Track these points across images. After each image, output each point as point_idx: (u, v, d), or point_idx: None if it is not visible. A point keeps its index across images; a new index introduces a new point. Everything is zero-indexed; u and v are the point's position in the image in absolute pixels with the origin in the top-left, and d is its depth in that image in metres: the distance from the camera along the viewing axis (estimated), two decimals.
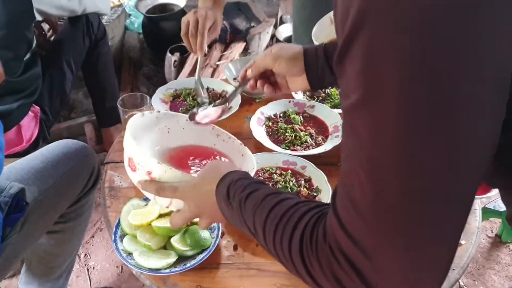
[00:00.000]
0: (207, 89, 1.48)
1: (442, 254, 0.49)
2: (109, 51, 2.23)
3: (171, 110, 1.40)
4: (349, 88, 0.48)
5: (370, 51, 0.44)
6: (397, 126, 0.45)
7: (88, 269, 1.81)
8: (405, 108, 0.44)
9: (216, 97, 1.45)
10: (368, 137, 0.47)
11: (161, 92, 1.44)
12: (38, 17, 1.84)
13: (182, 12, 2.90)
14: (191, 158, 1.05)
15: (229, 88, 1.47)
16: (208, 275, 0.97)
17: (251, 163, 1.00)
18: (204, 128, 1.09)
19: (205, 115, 1.09)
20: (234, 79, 1.51)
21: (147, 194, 0.89)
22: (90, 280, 1.77)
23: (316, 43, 1.26)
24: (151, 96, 1.35)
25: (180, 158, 1.05)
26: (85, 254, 1.86)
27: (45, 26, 2.22)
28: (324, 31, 1.34)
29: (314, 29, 1.35)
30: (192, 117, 1.07)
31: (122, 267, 1.81)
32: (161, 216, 1.00)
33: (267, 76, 1.11)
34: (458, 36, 0.41)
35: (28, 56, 1.76)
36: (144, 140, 1.02)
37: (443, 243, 0.49)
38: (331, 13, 1.34)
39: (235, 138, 1.08)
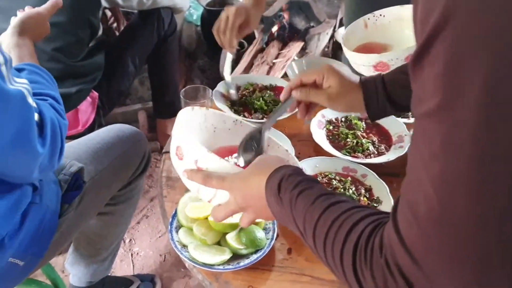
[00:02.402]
0: (268, 86, 1.46)
1: (509, 284, 0.45)
2: (177, 47, 2.23)
3: (231, 104, 1.39)
4: (424, 92, 0.45)
5: (453, 53, 0.41)
6: (476, 138, 0.41)
7: (132, 255, 1.83)
8: (487, 118, 0.40)
9: (278, 99, 1.42)
10: (441, 148, 0.43)
11: (223, 86, 1.43)
12: (105, 4, 1.87)
13: None
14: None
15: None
16: (260, 276, 0.95)
17: None
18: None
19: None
20: None
21: (190, 185, 0.87)
22: (133, 266, 1.79)
23: (344, 47, 1.20)
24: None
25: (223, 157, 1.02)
26: (130, 240, 1.89)
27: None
28: (357, 35, 1.29)
29: (344, 32, 1.30)
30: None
31: (165, 256, 1.82)
32: None
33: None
34: None
35: (92, 43, 1.79)
36: (190, 135, 1.00)
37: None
38: (366, 16, 1.29)
39: (280, 144, 1.03)
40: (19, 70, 1.03)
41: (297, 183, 0.68)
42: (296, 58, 2.34)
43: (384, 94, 0.95)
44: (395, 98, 0.94)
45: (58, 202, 1.11)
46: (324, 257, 0.61)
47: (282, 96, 1.04)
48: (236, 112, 1.35)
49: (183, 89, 1.28)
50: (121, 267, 1.78)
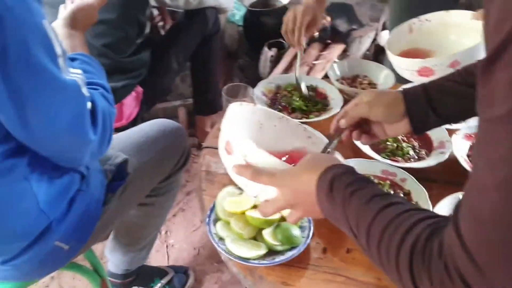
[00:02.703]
0: (308, 87, 1.47)
1: None
2: (219, 47, 2.28)
3: (271, 103, 1.41)
4: (494, 97, 0.44)
5: None
6: None
7: (167, 246, 1.88)
8: None
9: (318, 99, 1.43)
10: (509, 153, 0.43)
11: (263, 85, 1.45)
12: (153, 3, 1.92)
13: (284, 8, 2.91)
14: (282, 159, 1.03)
15: (330, 89, 1.45)
16: (294, 274, 0.96)
17: None
18: (296, 128, 1.07)
19: None
20: (337, 80, 1.49)
21: (237, 180, 0.87)
22: (168, 257, 1.83)
23: (388, 52, 1.19)
24: None
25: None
26: (166, 231, 1.93)
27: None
28: (402, 39, 1.27)
29: (389, 36, 1.28)
30: None
31: (199, 249, 1.86)
32: (255, 206, 1.00)
33: (360, 125, 1.01)
34: None
35: (139, 40, 1.84)
36: (239, 130, 1.02)
37: None
38: (411, 21, 1.27)
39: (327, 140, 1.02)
40: (72, 59, 1.08)
41: (351, 182, 0.68)
42: (336, 60, 2.33)
43: (427, 101, 0.93)
44: (439, 106, 0.92)
45: (102, 190, 1.15)
46: (377, 258, 0.61)
47: (332, 130, 1.03)
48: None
49: (225, 87, 1.30)
50: (156, 258, 1.83)
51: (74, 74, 0.92)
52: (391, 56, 1.18)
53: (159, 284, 1.68)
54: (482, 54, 1.09)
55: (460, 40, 1.23)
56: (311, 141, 1.06)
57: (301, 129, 1.07)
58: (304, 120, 1.31)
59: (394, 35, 1.27)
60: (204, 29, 2.05)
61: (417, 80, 1.14)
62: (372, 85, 1.48)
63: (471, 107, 0.79)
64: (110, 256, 1.58)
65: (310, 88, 1.47)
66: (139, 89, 1.87)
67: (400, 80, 1.47)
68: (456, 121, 1.22)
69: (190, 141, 2.36)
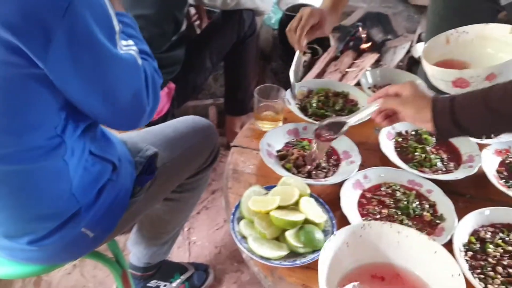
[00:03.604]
0: (341, 93, 1.47)
1: None
2: (254, 49, 2.28)
3: (300, 106, 1.41)
4: None
5: None
6: None
7: (189, 243, 1.90)
8: None
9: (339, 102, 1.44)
10: None
11: (296, 88, 1.46)
12: (191, 1, 1.95)
13: None
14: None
15: (361, 96, 1.45)
16: (315, 277, 0.95)
17: (452, 267, 0.88)
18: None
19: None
20: (369, 88, 1.49)
21: None
22: (189, 254, 1.86)
23: (424, 61, 1.17)
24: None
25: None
26: (189, 228, 1.96)
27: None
28: (438, 50, 1.26)
29: (425, 46, 1.27)
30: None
31: (220, 248, 1.87)
32: (280, 207, 1.01)
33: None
34: None
35: (175, 37, 1.87)
36: None
37: None
38: (449, 32, 1.26)
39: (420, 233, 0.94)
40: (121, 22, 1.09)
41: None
42: (369, 68, 2.32)
43: (451, 115, 0.95)
44: (462, 121, 0.94)
45: (131, 182, 1.18)
46: None
47: (369, 100, 1.10)
48: (307, 115, 1.37)
49: (258, 87, 1.32)
50: (177, 254, 1.85)
51: (128, 47, 0.96)
52: (427, 66, 1.17)
53: (178, 280, 1.70)
54: None
55: (498, 54, 1.21)
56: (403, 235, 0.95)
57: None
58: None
59: (430, 45, 1.26)
60: (240, 30, 2.07)
61: (451, 91, 1.13)
62: None
63: (495, 128, 0.97)
64: (133, 249, 1.61)
65: (342, 94, 1.47)
66: (172, 85, 1.90)
67: (434, 91, 1.46)
68: (480, 137, 1.22)
69: (219, 140, 2.38)
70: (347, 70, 2.34)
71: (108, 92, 0.94)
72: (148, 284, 1.65)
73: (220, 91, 2.59)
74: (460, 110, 0.94)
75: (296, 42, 1.33)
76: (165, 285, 1.68)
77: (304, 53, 2.59)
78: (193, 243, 1.91)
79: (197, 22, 2.40)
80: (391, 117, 1.07)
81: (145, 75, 1.01)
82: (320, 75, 2.44)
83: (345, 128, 1.12)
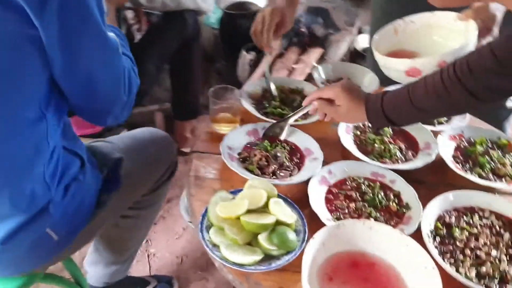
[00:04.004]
0: (295, 89, 1.46)
1: None
2: (200, 50, 2.23)
3: (257, 106, 1.39)
4: None
5: None
6: None
7: (148, 256, 1.83)
8: None
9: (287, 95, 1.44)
10: None
11: (249, 88, 1.44)
12: (128, 4, 1.87)
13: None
14: None
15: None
16: (290, 278, 0.94)
17: (425, 259, 0.88)
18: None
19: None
20: (322, 83, 1.49)
21: None
22: (150, 267, 1.79)
23: (375, 52, 1.20)
24: None
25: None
26: (147, 241, 1.88)
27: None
28: (387, 41, 1.28)
29: (374, 37, 1.29)
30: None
31: (182, 258, 1.82)
32: (249, 211, 0.98)
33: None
34: None
35: None
36: None
37: None
38: (396, 22, 1.29)
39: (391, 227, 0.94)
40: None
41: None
42: (315, 64, 2.34)
43: (383, 113, 1.05)
44: (392, 118, 1.05)
45: (97, 187, 1.14)
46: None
47: (304, 103, 1.19)
48: (262, 114, 1.35)
49: (211, 89, 1.29)
50: (137, 268, 1.78)
51: (112, 35, 0.94)
52: (379, 57, 1.18)
53: None
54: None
55: (445, 41, 1.24)
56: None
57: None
58: (294, 123, 1.30)
59: (380, 37, 1.27)
60: (184, 32, 2.02)
61: (404, 80, 1.15)
62: None
63: (421, 120, 1.15)
64: (90, 270, 1.53)
65: (296, 90, 1.46)
66: None
67: (384, 81, 1.48)
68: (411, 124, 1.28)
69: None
70: (293, 66, 2.34)
71: (89, 72, 0.93)
72: None
73: (164, 96, 2.51)
74: (389, 110, 1.04)
75: (265, 45, 1.33)
76: None
77: (248, 51, 2.58)
78: (153, 255, 1.84)
79: (136, 26, 2.32)
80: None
81: (123, 67, 1.01)
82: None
83: (286, 129, 1.25)
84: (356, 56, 2.74)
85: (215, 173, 1.18)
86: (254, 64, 2.55)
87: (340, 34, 2.59)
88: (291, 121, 1.25)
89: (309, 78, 2.31)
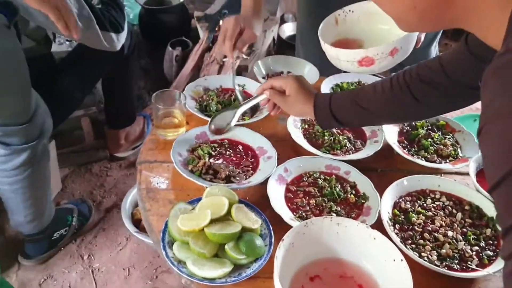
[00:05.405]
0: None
1: None
2: (138, 61, 2.14)
3: (201, 107, 1.34)
4: None
5: None
6: None
7: (92, 271, 1.72)
8: None
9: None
10: None
11: (191, 89, 1.37)
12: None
13: (182, 5, 2.82)
14: None
15: (256, 86, 1.41)
16: (263, 285, 0.92)
17: (392, 251, 0.88)
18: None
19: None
20: (263, 77, 1.46)
21: None
22: (95, 283, 1.68)
23: (322, 42, 1.21)
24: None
25: None
26: (89, 255, 1.77)
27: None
28: (330, 31, 1.29)
29: (320, 28, 1.30)
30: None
31: (129, 269, 1.72)
32: (212, 221, 0.94)
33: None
34: None
35: None
36: None
37: None
38: (336, 12, 1.30)
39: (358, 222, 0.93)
40: None
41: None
42: (244, 56, 2.31)
43: (330, 112, 1.08)
44: (339, 117, 1.08)
45: None
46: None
47: (257, 92, 1.19)
48: (207, 115, 1.30)
49: (154, 94, 1.21)
50: (83, 285, 1.67)
51: None
52: (329, 49, 1.16)
53: (75, 219, 1.78)
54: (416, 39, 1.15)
55: (387, 27, 1.25)
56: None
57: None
58: (241, 122, 1.26)
59: (323, 28, 1.26)
60: (118, 54, 1.74)
61: (357, 70, 1.15)
62: None
63: (367, 123, 1.18)
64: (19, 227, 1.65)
65: (241, 87, 1.42)
66: None
67: (323, 72, 1.49)
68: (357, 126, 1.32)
69: (99, 154, 2.19)
70: (224, 60, 2.29)
71: None
72: (52, 238, 1.72)
73: (89, 99, 2.35)
74: (336, 109, 1.07)
75: (228, 53, 1.32)
76: (65, 230, 1.76)
77: (174, 47, 2.50)
78: (97, 270, 1.73)
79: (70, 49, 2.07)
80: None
81: None
82: (195, 68, 2.36)
83: (235, 117, 1.20)
84: (283, 46, 2.74)
85: (167, 183, 1.11)
86: (181, 60, 2.47)
87: (266, 24, 2.57)
88: (242, 109, 1.20)
89: (241, 70, 2.28)
